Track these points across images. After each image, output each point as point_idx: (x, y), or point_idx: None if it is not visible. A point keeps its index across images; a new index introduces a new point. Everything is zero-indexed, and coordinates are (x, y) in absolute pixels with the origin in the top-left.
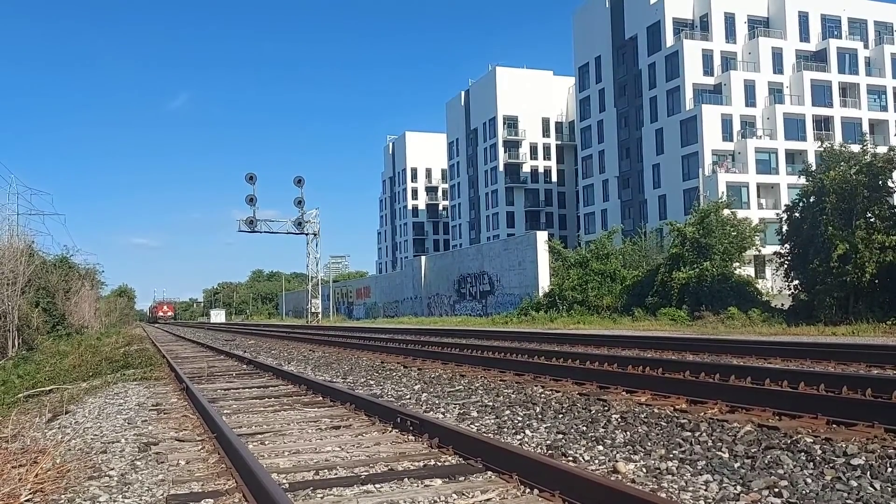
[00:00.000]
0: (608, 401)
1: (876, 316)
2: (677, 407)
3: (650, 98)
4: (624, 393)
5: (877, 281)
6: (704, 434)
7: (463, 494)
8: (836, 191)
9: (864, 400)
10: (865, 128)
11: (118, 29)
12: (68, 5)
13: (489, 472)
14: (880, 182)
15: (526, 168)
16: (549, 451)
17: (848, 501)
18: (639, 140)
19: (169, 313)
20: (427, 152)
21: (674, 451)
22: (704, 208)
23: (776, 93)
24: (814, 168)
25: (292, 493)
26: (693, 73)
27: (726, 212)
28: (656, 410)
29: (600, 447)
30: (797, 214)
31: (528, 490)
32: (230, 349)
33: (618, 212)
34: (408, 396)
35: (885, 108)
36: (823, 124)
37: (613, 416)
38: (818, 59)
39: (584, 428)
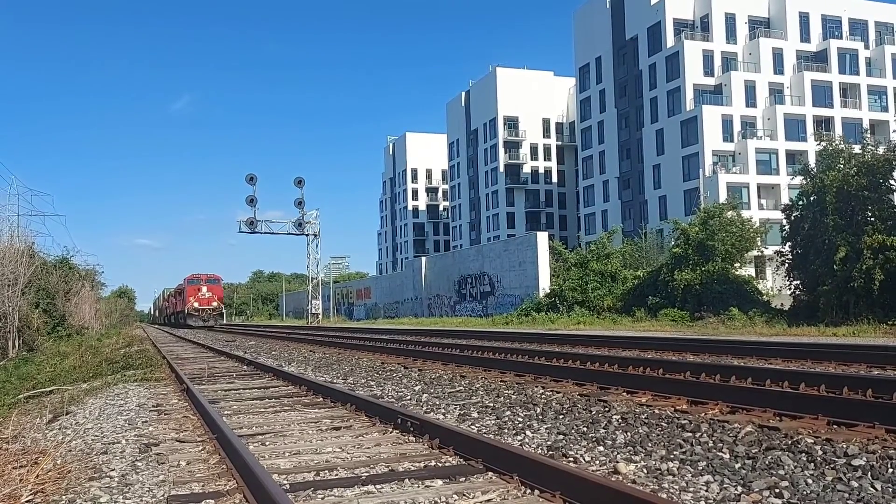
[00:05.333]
0: (609, 401)
1: (877, 316)
2: (678, 408)
3: (651, 98)
4: (625, 394)
5: (878, 282)
6: (705, 435)
7: (464, 495)
8: (836, 190)
9: (865, 401)
10: (866, 128)
11: (120, 31)
12: (70, 6)
13: (490, 473)
14: (880, 181)
15: (526, 169)
16: (550, 452)
17: (849, 502)
18: (639, 141)
19: (213, 303)
20: (427, 153)
21: (674, 452)
22: (709, 209)
23: (777, 93)
24: (813, 167)
25: (293, 494)
26: (693, 74)
27: (730, 213)
28: (657, 411)
29: (601, 448)
30: (798, 214)
31: (528, 491)
32: (230, 350)
33: (618, 212)
34: (408, 397)
35: (885, 109)
36: (824, 125)
37: (614, 416)
38: (819, 59)
39: (585, 429)
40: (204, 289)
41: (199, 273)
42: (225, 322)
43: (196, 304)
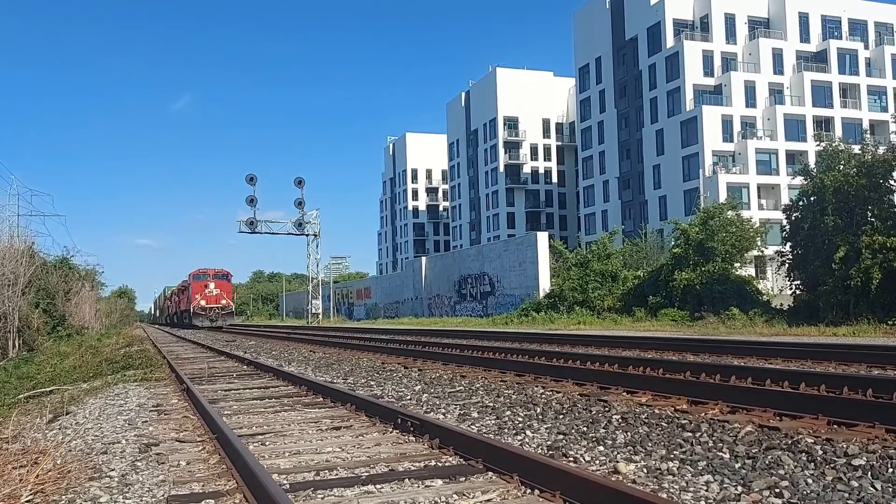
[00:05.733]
0: (609, 401)
1: (877, 316)
2: (678, 407)
3: (650, 99)
4: (625, 393)
5: (878, 282)
6: (705, 434)
7: (464, 495)
8: (836, 191)
9: (865, 400)
10: (866, 128)
11: (120, 30)
12: (70, 6)
13: (490, 473)
14: (880, 181)
15: (526, 169)
16: (550, 452)
17: (849, 502)
18: (639, 141)
19: (222, 301)
20: (427, 153)
21: (675, 452)
22: (709, 209)
23: (776, 93)
24: (813, 167)
25: (293, 494)
26: (693, 74)
27: (730, 213)
28: (657, 411)
29: (601, 448)
30: (798, 214)
31: (528, 491)
32: (231, 350)
33: (618, 212)
34: (408, 397)
35: (885, 109)
36: (824, 125)
37: (614, 416)
38: (818, 59)
39: (585, 428)
40: (212, 285)
41: (206, 268)
42: (234, 322)
43: (203, 303)
